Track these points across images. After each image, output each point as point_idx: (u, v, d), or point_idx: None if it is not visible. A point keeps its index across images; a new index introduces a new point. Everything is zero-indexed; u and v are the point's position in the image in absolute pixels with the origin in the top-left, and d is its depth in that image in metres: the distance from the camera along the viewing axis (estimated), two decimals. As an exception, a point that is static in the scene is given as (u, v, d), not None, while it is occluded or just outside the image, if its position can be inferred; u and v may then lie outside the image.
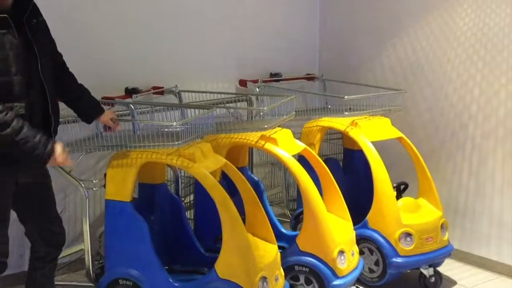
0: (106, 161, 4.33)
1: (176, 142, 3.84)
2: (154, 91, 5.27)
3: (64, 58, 3.96)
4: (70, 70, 3.99)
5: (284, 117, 4.63)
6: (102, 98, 4.36)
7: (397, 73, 5.87)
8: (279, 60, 6.28)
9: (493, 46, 5.05)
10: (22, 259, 4.61)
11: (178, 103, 5.28)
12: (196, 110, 4.35)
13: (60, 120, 3.87)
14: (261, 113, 5.04)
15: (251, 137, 4.47)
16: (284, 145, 4.41)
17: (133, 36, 5.33)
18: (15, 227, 3.76)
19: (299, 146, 4.58)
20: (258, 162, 6.01)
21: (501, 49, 4.99)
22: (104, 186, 4.10)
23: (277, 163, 5.96)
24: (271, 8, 6.23)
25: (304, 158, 4.66)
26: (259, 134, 4.45)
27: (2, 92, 3.35)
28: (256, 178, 4.89)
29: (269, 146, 4.38)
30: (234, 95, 5.77)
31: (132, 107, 4.59)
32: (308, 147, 4.66)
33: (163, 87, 5.30)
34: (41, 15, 3.68)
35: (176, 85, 5.37)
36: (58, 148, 3.49)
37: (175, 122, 4.12)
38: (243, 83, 5.89)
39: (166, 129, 4.08)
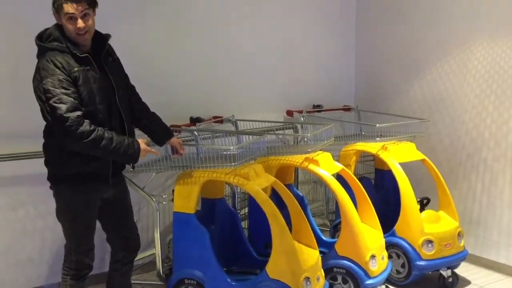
0: (173, 179, 4.34)
1: (233, 163, 3.86)
2: (215, 120, 5.27)
3: (138, 90, 3.99)
4: (145, 101, 4.01)
5: (325, 142, 4.63)
6: (171, 126, 4.27)
7: (422, 104, 5.81)
8: (321, 94, 6.24)
9: (504, 82, 5.02)
10: (103, 262, 4.61)
11: (234, 130, 5.27)
12: (250, 136, 4.37)
13: None
14: (305, 139, 5.04)
15: (297, 159, 4.47)
16: (325, 166, 4.41)
17: (197, 73, 5.34)
18: (98, 235, 3.78)
19: (338, 167, 4.56)
20: (302, 180, 5.96)
21: (510, 84, 4.97)
22: (172, 200, 4.11)
23: (318, 181, 5.92)
24: (313, 49, 6.20)
25: (341, 177, 4.64)
26: (303, 156, 4.44)
27: (90, 119, 3.38)
28: (300, 193, 4.86)
29: (312, 166, 4.38)
30: (282, 123, 5.77)
31: (196, 133, 4.60)
32: (345, 168, 4.63)
33: (222, 117, 5.30)
34: (115, 54, 3.74)
35: (233, 115, 5.36)
36: (142, 143, 3.58)
37: (232, 147, 4.14)
38: (290, 113, 5.87)
39: (224, 152, 4.10)
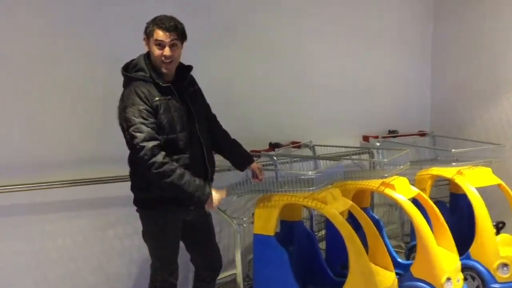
0: (253, 202, 4.33)
1: (311, 188, 3.86)
2: (293, 145, 5.28)
3: (219, 118, 4.03)
4: (226, 128, 4.05)
5: (401, 167, 4.58)
6: (251, 151, 4.32)
7: (498, 128, 5.79)
8: (396, 119, 6.23)
9: None
10: (187, 280, 4.66)
11: (312, 156, 5.28)
12: (327, 161, 4.39)
13: (216, 168, 3.92)
14: (381, 164, 5.01)
15: (374, 183, 4.45)
16: (401, 190, 4.37)
17: (275, 100, 5.42)
18: (181, 255, 3.84)
19: (414, 191, 4.51)
20: (378, 203, 5.94)
21: None
22: (253, 222, 4.15)
23: (393, 204, 5.90)
24: (389, 74, 6.22)
25: (417, 200, 4.60)
26: (380, 181, 4.42)
27: (171, 147, 3.47)
28: (376, 216, 4.85)
29: (388, 191, 4.35)
30: (358, 149, 5.76)
31: (275, 158, 4.62)
32: (420, 192, 4.59)
33: (300, 142, 5.34)
34: (197, 84, 3.81)
35: (311, 141, 5.38)
36: (215, 194, 3.56)
37: (310, 172, 4.10)
38: (366, 138, 5.89)
39: (302, 177, 4.08)
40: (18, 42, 4.00)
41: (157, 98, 3.47)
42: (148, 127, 3.39)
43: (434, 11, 6.61)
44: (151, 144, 3.35)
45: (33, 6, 4.04)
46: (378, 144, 5.75)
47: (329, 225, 4.58)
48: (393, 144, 5.73)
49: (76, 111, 4.27)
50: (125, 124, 3.43)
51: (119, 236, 4.61)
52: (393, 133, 6.12)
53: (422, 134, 6.30)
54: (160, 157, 3.36)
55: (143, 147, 3.33)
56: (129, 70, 3.57)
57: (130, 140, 3.41)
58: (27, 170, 4.06)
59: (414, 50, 6.46)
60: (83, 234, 4.42)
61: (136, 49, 3.65)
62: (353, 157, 5.53)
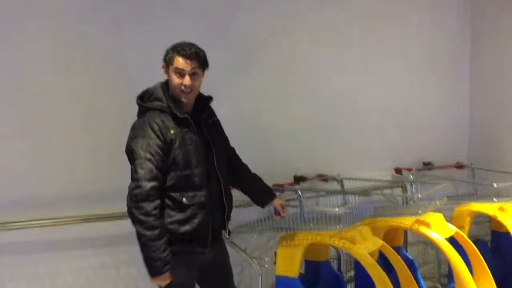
0: (276, 240, 4.28)
1: (338, 226, 3.85)
2: (320, 178, 5.22)
3: (241, 148, 3.98)
4: (248, 160, 4.00)
5: (437, 202, 4.52)
6: (273, 185, 4.31)
7: (542, 161, 5.64)
8: (431, 149, 6.11)
9: None
10: None
11: (340, 190, 5.19)
12: (356, 196, 4.34)
13: (236, 204, 3.91)
14: (415, 199, 4.93)
15: (407, 221, 4.34)
16: (437, 228, 4.26)
17: (301, 129, 5.33)
18: None
19: (451, 230, 4.38)
20: (412, 241, 5.78)
21: None
22: (275, 262, 4.08)
23: (429, 242, 5.56)
24: (423, 101, 6.11)
25: (455, 239, 4.45)
26: (413, 218, 4.31)
27: (185, 183, 3.41)
28: (410, 256, 4.73)
29: (423, 229, 4.23)
30: (390, 182, 5.68)
31: (300, 193, 4.55)
32: (458, 230, 4.44)
33: (327, 175, 5.25)
34: (215, 115, 3.75)
35: (338, 174, 5.29)
36: (166, 278, 3.43)
37: (337, 208, 4.00)
38: (398, 171, 5.76)
39: (328, 213, 4.03)
40: (30, 77, 4.10)
41: (172, 131, 3.41)
42: (153, 164, 3.34)
43: (472, 31, 6.48)
44: (149, 185, 3.32)
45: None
46: (411, 177, 5.61)
47: (358, 266, 4.43)
48: (428, 178, 5.58)
49: (89, 146, 4.32)
50: (131, 155, 3.41)
51: (132, 275, 4.53)
52: (428, 165, 5.98)
53: (459, 166, 6.15)
54: (151, 206, 3.32)
55: (139, 185, 3.31)
56: (145, 99, 3.54)
57: (132, 172, 3.40)
58: (38, 206, 4.10)
59: (450, 74, 6.35)
60: (95, 272, 4.42)
61: (155, 76, 3.63)
62: (384, 191, 5.37)
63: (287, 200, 4.34)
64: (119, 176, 3.89)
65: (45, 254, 4.17)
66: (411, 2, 6.08)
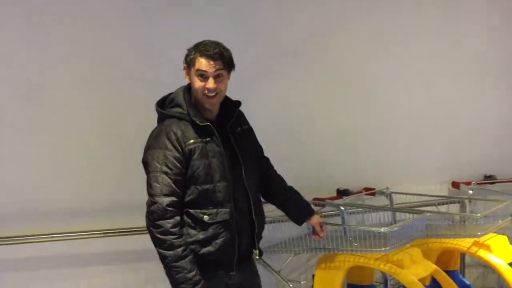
0: (315, 260, 4.16)
1: (384, 248, 3.64)
2: (366, 192, 4.99)
3: (278, 159, 3.77)
4: (286, 171, 3.77)
5: (499, 222, 4.24)
6: (313, 199, 4.16)
7: None
8: (494, 161, 5.72)
9: None
10: None
11: (388, 206, 4.93)
12: (407, 214, 4.21)
13: (270, 220, 3.84)
14: (475, 218, 4.57)
15: (464, 243, 4.20)
16: (499, 252, 4.10)
17: (345, 138, 5.14)
18: None
19: None
20: (470, 263, 5.42)
21: None
22: (312, 286, 3.99)
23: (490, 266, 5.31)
24: (485, 110, 5.76)
25: None
26: (472, 240, 4.17)
27: (206, 198, 3.22)
28: (467, 282, 4.57)
29: (483, 253, 4.10)
30: (446, 198, 5.32)
31: (342, 208, 4.29)
32: None
33: (374, 189, 5.00)
34: (247, 123, 3.56)
35: (387, 187, 5.01)
36: None
37: (383, 228, 3.74)
38: (455, 185, 5.42)
39: (373, 233, 3.81)
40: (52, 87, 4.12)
41: (192, 141, 3.22)
42: (170, 178, 3.16)
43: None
44: (166, 201, 3.14)
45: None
46: (471, 192, 5.20)
47: (407, 293, 4.34)
48: (490, 193, 5.19)
49: (111, 157, 4.31)
50: (146, 167, 3.25)
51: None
52: (490, 179, 5.62)
53: (527, 181, 5.99)
54: (169, 224, 3.14)
55: (155, 201, 3.14)
56: (166, 105, 3.38)
57: (147, 186, 3.23)
58: (58, 219, 4.11)
59: (506, 78, 5.98)
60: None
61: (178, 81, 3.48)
62: (439, 208, 5.12)
63: (326, 217, 4.21)
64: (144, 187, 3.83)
65: (68, 270, 4.18)
66: (464, 5, 5.79)
